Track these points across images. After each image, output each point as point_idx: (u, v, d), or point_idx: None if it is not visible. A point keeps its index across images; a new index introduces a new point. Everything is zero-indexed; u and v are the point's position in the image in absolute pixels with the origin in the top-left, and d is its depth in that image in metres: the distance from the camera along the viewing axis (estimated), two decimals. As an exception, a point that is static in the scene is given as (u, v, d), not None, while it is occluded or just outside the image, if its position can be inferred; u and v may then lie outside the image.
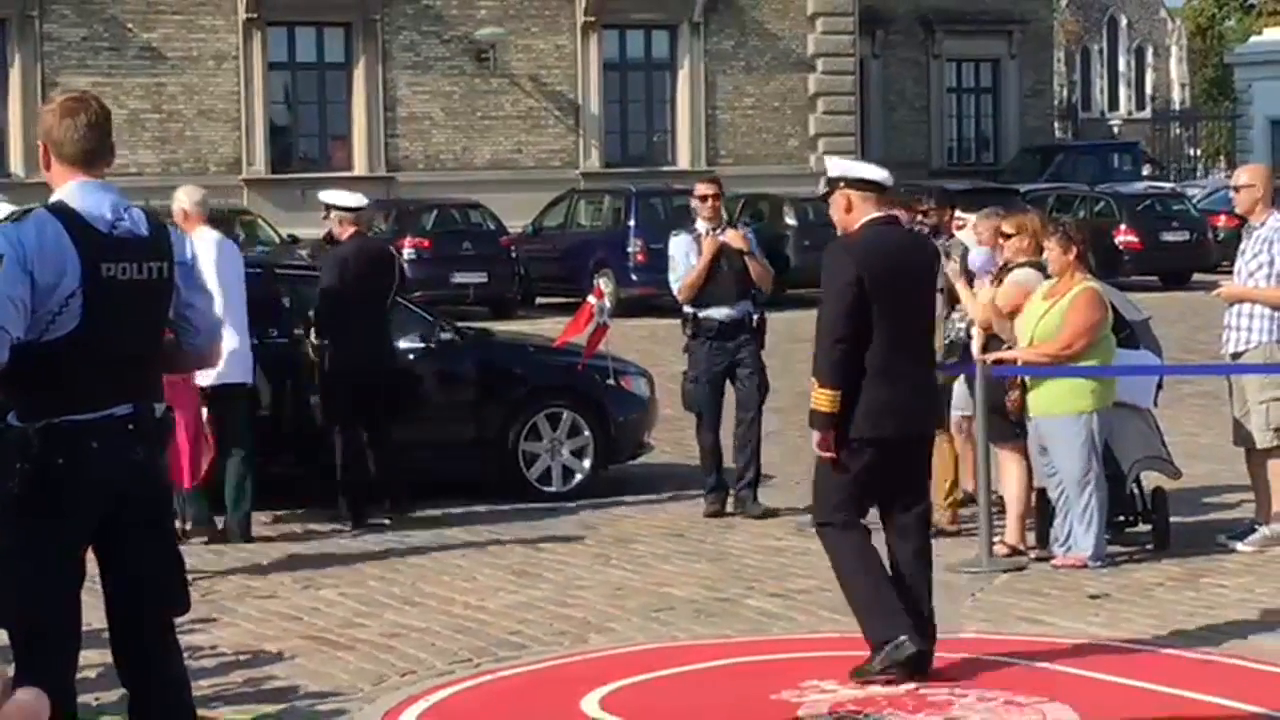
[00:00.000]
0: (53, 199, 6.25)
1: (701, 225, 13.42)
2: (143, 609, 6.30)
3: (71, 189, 6.21)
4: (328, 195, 13.96)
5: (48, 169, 6.32)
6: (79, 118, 6.26)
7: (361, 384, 13.23)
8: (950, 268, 11.93)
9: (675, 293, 13.52)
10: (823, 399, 8.63)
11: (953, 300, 12.18)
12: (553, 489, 14.29)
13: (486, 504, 13.87)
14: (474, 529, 13.11)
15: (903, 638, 8.52)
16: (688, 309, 13.32)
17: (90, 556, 6.29)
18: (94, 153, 6.26)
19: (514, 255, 32.51)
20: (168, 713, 6.39)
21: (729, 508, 13.25)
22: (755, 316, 13.41)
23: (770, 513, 13.16)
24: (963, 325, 12.22)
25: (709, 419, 13.29)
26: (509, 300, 31.75)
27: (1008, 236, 11.88)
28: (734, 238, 13.36)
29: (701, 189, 13.63)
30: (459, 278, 31.16)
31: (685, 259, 13.32)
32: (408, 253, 29.35)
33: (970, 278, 12.14)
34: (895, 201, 9.40)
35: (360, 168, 37.81)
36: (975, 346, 11.88)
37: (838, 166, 9.09)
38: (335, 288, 13.34)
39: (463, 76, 38.87)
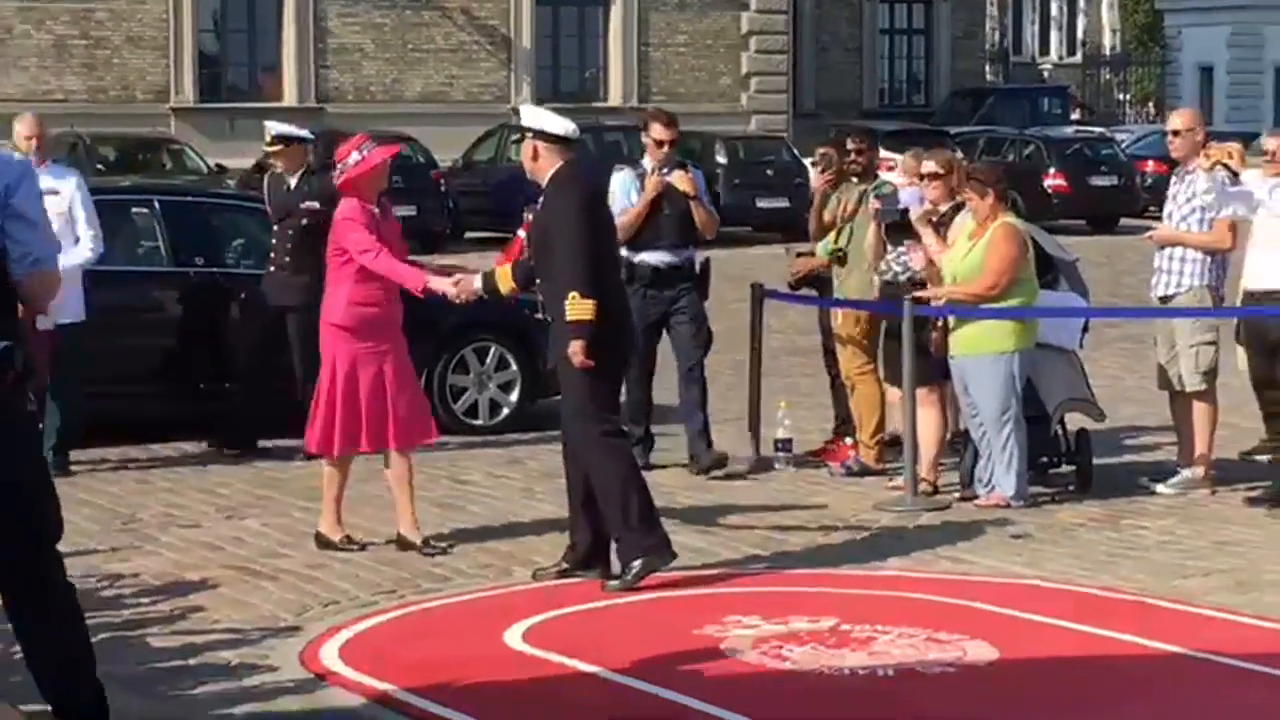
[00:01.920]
0: None
1: (648, 163, 12.49)
2: (9, 539, 6.28)
3: None
4: (283, 127, 13.79)
5: None
6: None
7: None
8: (915, 213, 11.81)
9: None
10: (586, 309, 9.23)
11: (898, 241, 12.04)
12: (479, 423, 14.27)
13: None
14: (399, 461, 13.06)
15: (655, 559, 9.29)
16: (622, 252, 11.45)
17: None
18: None
19: (444, 189, 32.37)
20: (62, 647, 6.40)
21: (657, 459, 12.74)
22: (699, 263, 12.66)
23: (721, 459, 12.53)
24: (914, 269, 11.96)
25: (639, 371, 12.20)
26: (438, 234, 31.59)
27: (936, 176, 11.86)
28: (680, 179, 12.39)
29: (660, 133, 12.39)
30: (388, 211, 30.93)
31: (625, 197, 12.40)
32: (336, 185, 29.13)
33: (905, 214, 12.04)
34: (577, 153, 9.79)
35: (290, 98, 37.55)
36: (930, 289, 11.67)
37: (529, 117, 9.67)
38: None
39: (394, 9, 38.61)
